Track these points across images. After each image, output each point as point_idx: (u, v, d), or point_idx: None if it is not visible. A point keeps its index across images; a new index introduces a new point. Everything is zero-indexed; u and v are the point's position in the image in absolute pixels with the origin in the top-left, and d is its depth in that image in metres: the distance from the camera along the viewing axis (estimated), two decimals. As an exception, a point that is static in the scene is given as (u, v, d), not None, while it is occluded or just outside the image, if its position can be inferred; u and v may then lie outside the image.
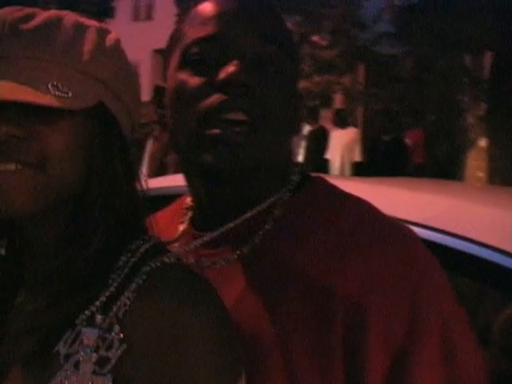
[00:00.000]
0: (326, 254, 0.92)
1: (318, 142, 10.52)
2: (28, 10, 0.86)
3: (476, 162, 10.51)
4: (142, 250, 0.86)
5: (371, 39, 9.80)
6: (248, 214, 0.99)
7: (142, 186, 0.92)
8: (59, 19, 0.86)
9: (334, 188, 1.05)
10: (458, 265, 1.42)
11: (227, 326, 0.82)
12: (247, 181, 0.98)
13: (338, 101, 11.09)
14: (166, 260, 0.84)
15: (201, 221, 1.05)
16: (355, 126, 11.42)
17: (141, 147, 9.19)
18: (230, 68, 0.92)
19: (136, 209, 0.90)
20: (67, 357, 0.79)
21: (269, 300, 0.92)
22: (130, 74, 0.94)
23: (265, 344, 0.89)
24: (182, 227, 1.09)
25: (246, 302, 0.93)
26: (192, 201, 1.08)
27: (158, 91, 1.07)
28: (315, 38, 10.29)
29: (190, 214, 1.10)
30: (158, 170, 9.27)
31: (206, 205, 1.03)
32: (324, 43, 10.25)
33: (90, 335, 0.79)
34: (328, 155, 10.31)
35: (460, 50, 9.04)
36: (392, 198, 1.70)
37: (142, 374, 0.77)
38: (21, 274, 0.94)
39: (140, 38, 25.76)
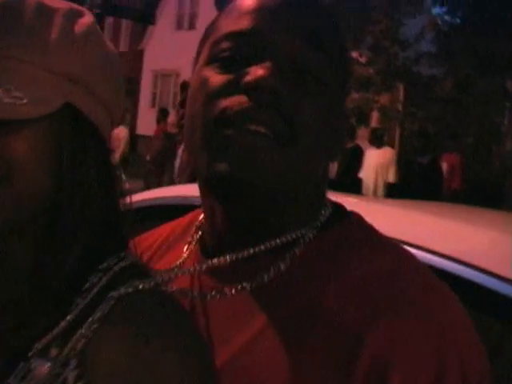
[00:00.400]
0: (351, 303, 0.79)
1: (352, 160, 10.43)
2: None
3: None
4: (115, 269, 0.76)
5: (411, 58, 9.70)
6: (261, 247, 0.84)
7: (122, 193, 0.82)
8: (19, 1, 0.75)
9: (371, 230, 0.90)
10: (491, 305, 1.31)
11: (203, 372, 0.72)
12: (265, 203, 0.83)
13: (375, 119, 10.99)
14: (140, 286, 0.74)
15: (210, 242, 0.92)
16: (391, 146, 11.30)
17: (173, 154, 9.21)
18: (260, 70, 0.78)
19: (114, 222, 0.80)
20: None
21: (272, 346, 0.80)
22: (107, 62, 0.82)
23: None
24: (188, 247, 0.97)
25: (236, 343, 0.81)
26: (204, 218, 0.94)
27: (185, 88, 0.93)
28: (354, 54, 10.23)
29: (199, 233, 0.97)
30: (190, 178, 9.30)
31: (217, 225, 0.88)
32: (363, 60, 10.18)
33: (41, 369, 0.69)
34: (361, 174, 10.20)
35: (502, 73, 8.93)
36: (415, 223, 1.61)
37: None
38: None
39: (182, 47, 26.06)
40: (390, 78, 9.76)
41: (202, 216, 0.97)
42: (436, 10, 9.62)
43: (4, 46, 0.72)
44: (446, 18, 9.61)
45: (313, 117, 0.81)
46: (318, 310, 0.80)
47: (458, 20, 9.58)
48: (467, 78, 8.63)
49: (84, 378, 0.68)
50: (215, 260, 0.86)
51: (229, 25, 0.84)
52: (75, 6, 0.81)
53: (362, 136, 11.88)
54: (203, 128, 0.82)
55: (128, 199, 0.84)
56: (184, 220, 1.08)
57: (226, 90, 0.80)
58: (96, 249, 0.77)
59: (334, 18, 0.91)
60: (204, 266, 0.87)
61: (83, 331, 0.70)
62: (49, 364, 0.69)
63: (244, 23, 0.83)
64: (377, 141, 10.25)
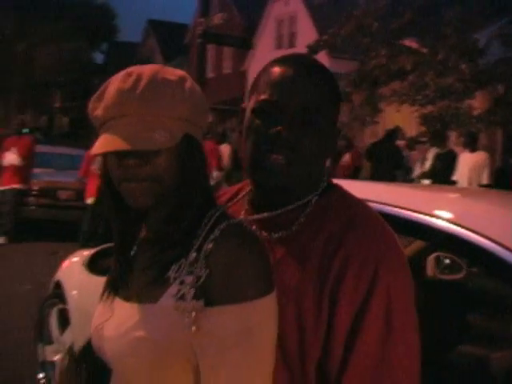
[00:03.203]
0: (334, 237, 1.32)
1: (447, 164, 10.67)
2: (133, 76, 1.26)
3: None
4: (216, 215, 1.31)
5: (489, 64, 9.88)
6: (289, 207, 1.42)
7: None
8: (154, 79, 1.26)
9: (346, 194, 1.47)
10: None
11: (267, 261, 1.25)
12: (286, 191, 1.41)
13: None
14: (232, 222, 1.29)
15: (258, 204, 1.49)
16: (484, 149, 11.38)
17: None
18: (278, 128, 1.34)
19: (210, 192, 1.39)
20: (175, 278, 1.25)
21: (293, 268, 1.33)
22: (202, 103, 1.35)
23: (287, 291, 1.30)
24: (245, 206, 1.54)
25: (280, 268, 1.33)
26: (251, 191, 1.53)
27: (242, 111, 1.51)
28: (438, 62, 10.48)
29: (248, 197, 1.55)
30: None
31: (262, 198, 1.47)
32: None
33: (189, 267, 1.25)
34: (455, 177, 10.43)
35: None
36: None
37: (217, 286, 1.21)
38: (136, 234, 1.43)
39: (283, 66, 26.57)
40: (469, 85, 10.00)
41: (248, 188, 1.55)
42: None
43: (150, 111, 1.24)
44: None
45: (309, 151, 1.37)
46: (316, 246, 1.33)
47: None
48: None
49: (208, 268, 1.21)
50: (265, 214, 1.44)
51: (262, 95, 1.40)
52: (182, 73, 1.34)
53: (452, 141, 12.04)
54: (251, 152, 1.40)
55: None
56: (237, 188, 1.67)
57: (262, 132, 1.37)
58: (204, 205, 1.33)
59: (328, 79, 1.43)
60: (258, 217, 1.45)
61: (206, 246, 1.24)
62: (193, 265, 1.24)
63: (271, 95, 1.38)
64: (471, 144, 10.47)
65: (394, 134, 12.23)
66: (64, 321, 4.17)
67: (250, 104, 1.45)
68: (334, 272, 1.28)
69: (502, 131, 10.00)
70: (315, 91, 1.39)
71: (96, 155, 1.25)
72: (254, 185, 1.48)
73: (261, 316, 1.21)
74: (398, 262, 1.32)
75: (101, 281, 2.95)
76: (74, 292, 4.01)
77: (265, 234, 1.42)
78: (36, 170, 11.30)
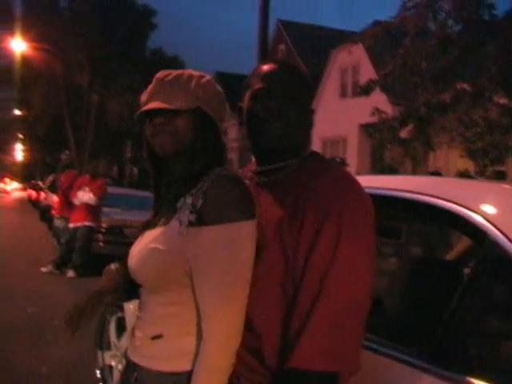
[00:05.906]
0: (311, 189, 1.72)
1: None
2: (168, 71, 1.84)
3: None
4: (217, 170, 1.76)
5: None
6: (281, 164, 1.86)
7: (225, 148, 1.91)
8: (181, 74, 1.84)
9: (324, 160, 1.91)
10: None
11: (249, 197, 1.72)
12: (279, 152, 1.86)
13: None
14: (225, 172, 1.75)
15: (258, 165, 1.94)
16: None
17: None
18: (273, 103, 1.83)
19: (221, 156, 1.85)
20: (181, 207, 1.72)
21: (277, 205, 1.77)
22: (216, 93, 1.88)
23: (269, 227, 1.74)
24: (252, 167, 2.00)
25: (268, 206, 1.79)
26: (255, 161, 1.98)
27: (240, 108, 1.96)
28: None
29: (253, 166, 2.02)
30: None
31: (261, 161, 1.93)
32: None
33: (189, 199, 1.72)
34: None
35: None
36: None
37: (209, 211, 1.66)
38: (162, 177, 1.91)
39: (347, 114, 26.82)
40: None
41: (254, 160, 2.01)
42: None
43: (174, 102, 1.77)
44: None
45: (293, 115, 1.84)
46: (297, 191, 1.74)
47: None
48: None
49: (204, 198, 1.68)
50: (259, 169, 1.92)
51: (254, 84, 1.89)
52: (202, 73, 1.88)
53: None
54: (258, 128, 1.87)
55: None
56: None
57: (265, 112, 1.84)
58: (213, 161, 1.80)
59: (299, 73, 1.94)
60: (255, 170, 1.94)
61: (204, 186, 1.71)
62: (191, 197, 1.72)
63: (260, 85, 1.87)
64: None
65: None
66: (121, 328, 4.58)
67: (246, 96, 1.92)
68: (301, 209, 1.70)
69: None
70: (292, 79, 1.90)
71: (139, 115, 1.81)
72: (257, 151, 1.94)
73: (240, 235, 1.65)
74: (349, 203, 1.70)
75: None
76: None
77: (258, 180, 1.92)
78: (105, 210, 11.96)
